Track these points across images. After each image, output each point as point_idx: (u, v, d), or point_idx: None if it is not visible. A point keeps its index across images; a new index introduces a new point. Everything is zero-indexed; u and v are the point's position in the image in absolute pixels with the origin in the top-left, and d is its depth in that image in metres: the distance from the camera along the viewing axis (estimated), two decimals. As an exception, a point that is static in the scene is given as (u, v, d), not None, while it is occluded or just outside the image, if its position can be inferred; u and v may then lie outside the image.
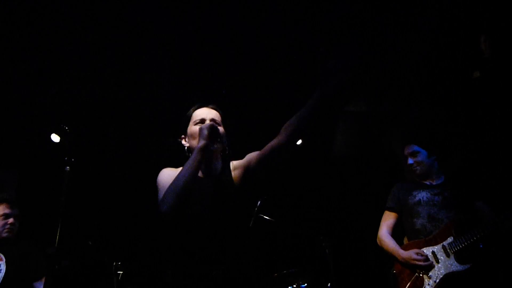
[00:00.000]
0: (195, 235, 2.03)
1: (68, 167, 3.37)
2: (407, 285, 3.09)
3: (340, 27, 4.27)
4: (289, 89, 5.22)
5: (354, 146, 6.01)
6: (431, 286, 2.99)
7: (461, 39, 4.14)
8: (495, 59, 3.97)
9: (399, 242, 3.37)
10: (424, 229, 3.23)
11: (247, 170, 2.20)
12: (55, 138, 5.23)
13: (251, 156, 2.23)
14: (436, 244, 3.15)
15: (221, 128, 2.24)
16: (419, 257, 3.09)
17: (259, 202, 4.23)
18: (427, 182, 3.44)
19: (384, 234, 3.40)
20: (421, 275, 3.07)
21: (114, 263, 3.88)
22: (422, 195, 3.34)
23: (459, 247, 3.07)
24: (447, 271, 3.04)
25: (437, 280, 3.01)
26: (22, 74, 4.61)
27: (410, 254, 3.14)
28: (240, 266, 2.06)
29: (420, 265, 3.07)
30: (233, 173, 2.23)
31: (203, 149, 2.06)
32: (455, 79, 4.46)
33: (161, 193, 2.07)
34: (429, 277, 3.03)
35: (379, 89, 5.20)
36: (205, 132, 2.09)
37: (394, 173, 3.66)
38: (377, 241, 3.44)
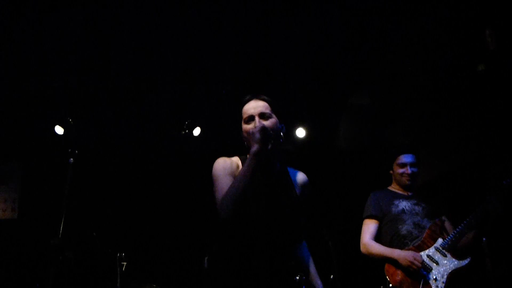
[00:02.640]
0: (250, 235, 2.06)
1: (72, 159, 3.39)
2: None
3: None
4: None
5: (358, 139, 6.01)
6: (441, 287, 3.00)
7: (465, 32, 4.12)
8: (500, 52, 3.95)
9: None
10: (410, 234, 3.27)
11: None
12: (59, 130, 5.25)
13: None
14: (427, 248, 3.19)
15: (272, 120, 2.21)
16: (416, 263, 3.06)
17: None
18: (404, 193, 3.53)
19: (370, 240, 3.38)
20: (427, 280, 3.05)
21: (118, 254, 3.90)
22: (404, 204, 3.42)
23: (452, 243, 3.13)
24: (451, 270, 3.06)
25: (445, 281, 3.01)
26: (26, 67, 4.62)
27: (410, 254, 3.12)
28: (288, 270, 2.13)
29: (415, 269, 3.05)
30: (296, 186, 2.30)
31: (257, 154, 2.03)
32: (460, 72, 4.44)
33: (217, 189, 2.07)
34: (435, 280, 3.03)
35: (383, 82, 5.19)
36: (257, 136, 2.05)
37: (394, 159, 3.67)
38: (362, 248, 3.40)
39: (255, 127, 2.11)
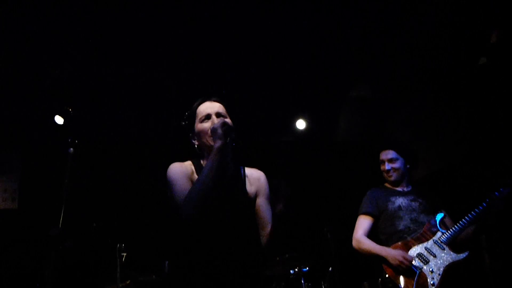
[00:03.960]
0: (207, 235, 2.04)
1: (71, 149, 3.37)
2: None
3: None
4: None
5: (357, 132, 6.01)
6: (436, 280, 3.02)
7: (467, 25, 4.10)
8: (501, 45, 3.93)
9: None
10: (408, 230, 3.31)
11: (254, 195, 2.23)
12: (59, 120, 5.23)
13: (260, 199, 2.23)
14: (426, 240, 3.23)
15: (228, 120, 2.21)
16: (405, 262, 3.10)
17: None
18: (400, 189, 3.56)
19: (362, 236, 3.42)
20: (422, 271, 3.08)
21: (118, 245, 3.91)
22: (400, 200, 3.45)
23: (451, 237, 3.16)
24: (448, 262, 3.09)
25: (441, 273, 3.04)
26: (25, 56, 4.59)
27: (399, 253, 3.15)
28: (247, 266, 2.07)
29: (404, 268, 3.09)
30: (247, 183, 2.24)
31: (221, 149, 2.03)
32: (461, 65, 4.43)
33: (176, 191, 2.06)
34: (431, 272, 3.05)
35: (383, 74, 5.18)
36: (219, 131, 2.05)
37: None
38: (354, 243, 3.45)
39: (214, 124, 2.12)
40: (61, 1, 3.96)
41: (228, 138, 2.07)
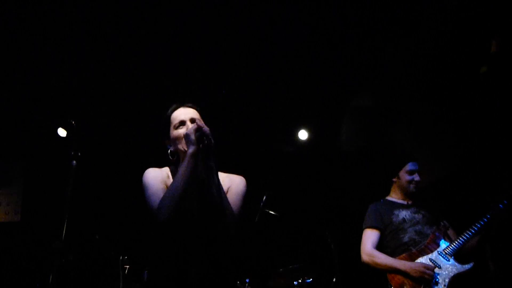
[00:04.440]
0: (183, 238, 2.04)
1: (74, 161, 3.39)
2: None
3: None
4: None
5: (360, 140, 6.00)
6: None
7: (468, 34, 4.11)
8: (502, 54, 3.94)
9: None
10: (413, 242, 3.28)
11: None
12: (62, 132, 5.25)
13: (232, 194, 2.19)
14: (431, 252, 3.20)
15: (202, 125, 2.17)
16: (428, 271, 3.05)
17: (264, 197, 4.24)
18: (402, 202, 3.55)
19: (374, 250, 3.35)
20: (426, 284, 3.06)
21: (121, 257, 3.90)
22: (404, 213, 3.43)
23: (456, 248, 3.15)
24: (453, 274, 3.07)
25: (447, 284, 3.02)
26: (29, 68, 4.62)
27: (420, 265, 3.10)
28: (222, 271, 2.05)
29: (427, 279, 3.03)
30: (226, 186, 2.21)
31: (194, 155, 2.04)
32: (462, 74, 4.43)
33: (150, 195, 2.09)
34: (437, 283, 3.03)
35: (385, 84, 5.19)
36: (192, 137, 2.05)
37: (401, 166, 3.68)
38: (366, 257, 3.34)
39: (187, 130, 2.12)
40: (65, 14, 3.99)
41: (201, 144, 2.05)
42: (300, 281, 4.27)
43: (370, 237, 3.42)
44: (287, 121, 5.80)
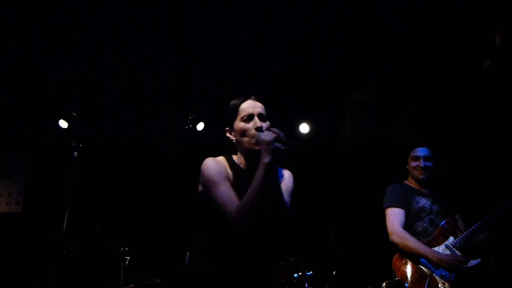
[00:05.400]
0: (244, 238, 2.07)
1: (76, 153, 3.39)
2: None
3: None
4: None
5: (362, 135, 6.00)
6: (448, 285, 2.99)
7: (472, 29, 4.09)
8: (506, 48, 3.92)
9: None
10: (425, 232, 3.27)
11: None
12: (63, 124, 5.25)
13: (284, 191, 2.15)
14: (438, 244, 3.19)
15: (269, 124, 2.19)
16: (462, 266, 3.01)
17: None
18: (422, 190, 3.48)
19: (404, 231, 3.25)
20: (433, 275, 3.05)
21: (122, 248, 3.91)
22: (424, 201, 3.39)
23: (463, 242, 3.13)
24: None
25: (452, 279, 3.01)
26: (30, 60, 4.62)
27: (453, 258, 3.06)
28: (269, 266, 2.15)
29: (463, 270, 3.01)
30: (283, 184, 2.21)
31: (270, 166, 1.97)
32: (465, 68, 4.42)
33: (219, 194, 2.06)
34: (442, 276, 3.02)
35: (387, 78, 5.17)
36: (271, 147, 1.97)
37: (401, 163, 3.65)
38: (396, 238, 3.23)
39: (263, 134, 2.06)
40: (66, 6, 3.98)
41: (277, 155, 1.99)
42: (300, 273, 4.27)
43: (397, 215, 3.33)
44: (289, 115, 5.79)
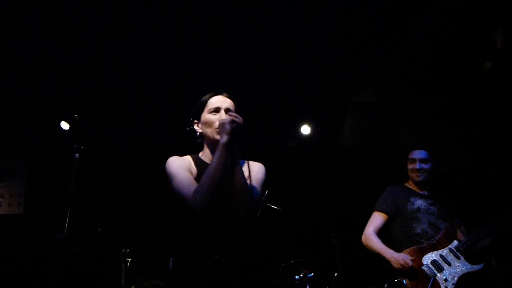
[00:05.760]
0: (211, 225, 2.07)
1: (77, 154, 3.39)
2: None
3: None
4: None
5: (362, 136, 5.99)
6: None
7: (473, 30, 4.09)
8: (507, 50, 3.92)
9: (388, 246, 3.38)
10: (425, 234, 3.28)
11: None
12: (65, 125, 5.26)
13: (252, 181, 2.19)
14: (442, 248, 3.19)
15: (239, 118, 2.20)
16: (406, 266, 3.09)
17: (266, 192, 4.23)
18: (420, 192, 3.50)
19: (372, 233, 3.39)
20: (436, 279, 3.05)
21: (123, 250, 3.91)
22: (419, 202, 3.41)
23: (467, 247, 3.14)
24: (462, 272, 3.07)
25: (455, 282, 3.02)
26: (32, 62, 4.62)
27: (402, 257, 3.14)
28: (246, 256, 2.11)
29: (405, 271, 3.09)
30: (246, 173, 2.21)
31: (227, 145, 2.05)
32: (466, 69, 4.41)
33: (179, 185, 2.09)
34: (445, 280, 3.02)
35: (388, 78, 5.17)
36: (228, 127, 2.07)
37: (402, 164, 3.66)
38: (363, 238, 3.44)
39: (223, 119, 2.15)
40: (67, 8, 3.98)
41: (235, 136, 2.07)
42: (301, 275, 4.27)
43: (375, 220, 3.46)
44: (290, 116, 5.79)
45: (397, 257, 3.15)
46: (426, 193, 3.49)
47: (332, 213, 5.39)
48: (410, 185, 3.58)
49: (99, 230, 4.16)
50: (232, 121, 2.08)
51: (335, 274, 4.14)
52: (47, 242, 4.68)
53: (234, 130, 2.07)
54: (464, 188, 4.48)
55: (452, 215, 3.38)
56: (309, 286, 4.20)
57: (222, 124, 2.11)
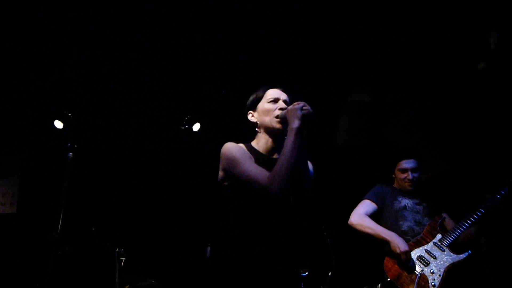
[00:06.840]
0: (267, 208, 2.10)
1: (71, 153, 3.38)
2: None
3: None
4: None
5: (357, 136, 6.00)
6: (437, 281, 3.02)
7: (467, 30, 4.11)
8: (501, 50, 3.94)
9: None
10: (411, 231, 3.33)
11: None
12: (58, 124, 5.24)
13: None
14: (426, 243, 3.24)
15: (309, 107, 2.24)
16: (403, 256, 3.10)
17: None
18: (407, 192, 3.56)
19: (363, 214, 3.42)
20: (422, 273, 3.08)
21: (117, 249, 3.90)
22: (406, 201, 3.47)
23: (452, 239, 3.18)
24: (448, 263, 3.10)
25: (442, 274, 3.05)
26: (25, 60, 4.60)
27: (404, 245, 3.15)
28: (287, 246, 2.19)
29: (400, 260, 3.11)
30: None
31: (299, 129, 2.04)
32: (460, 70, 4.43)
33: (245, 170, 2.08)
34: (432, 273, 3.06)
35: (382, 79, 5.18)
36: (299, 113, 2.07)
37: (397, 163, 3.68)
38: (354, 219, 3.43)
39: (293, 105, 2.13)
40: (61, 6, 3.97)
41: (305, 121, 2.07)
42: (295, 274, 4.27)
43: (366, 206, 3.50)
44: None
45: (399, 242, 3.16)
46: (412, 192, 3.55)
47: (326, 213, 5.40)
48: (397, 186, 3.65)
49: (93, 229, 4.15)
50: (303, 108, 2.09)
51: (329, 274, 4.16)
52: (41, 242, 4.66)
53: (304, 116, 2.07)
54: (458, 186, 4.51)
55: (438, 211, 3.44)
56: (303, 285, 4.21)
57: (292, 110, 2.10)
